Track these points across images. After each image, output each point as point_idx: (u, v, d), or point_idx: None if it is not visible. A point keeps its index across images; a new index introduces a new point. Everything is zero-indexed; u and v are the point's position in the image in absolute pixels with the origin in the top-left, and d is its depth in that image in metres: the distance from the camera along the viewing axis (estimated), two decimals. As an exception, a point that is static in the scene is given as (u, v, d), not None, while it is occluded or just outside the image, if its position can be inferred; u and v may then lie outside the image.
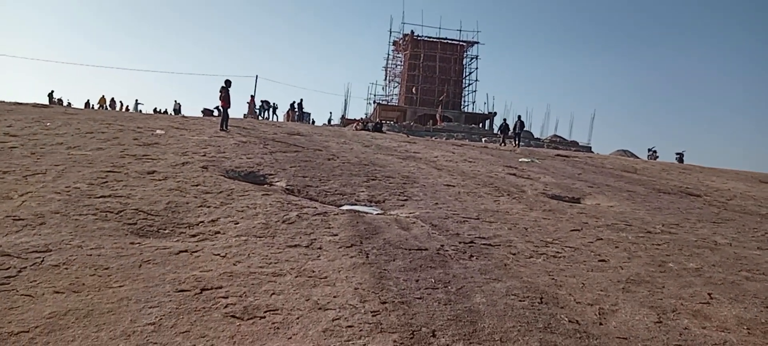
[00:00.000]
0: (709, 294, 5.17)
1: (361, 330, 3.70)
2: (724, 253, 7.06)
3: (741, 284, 5.61)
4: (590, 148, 45.31)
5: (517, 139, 27.29)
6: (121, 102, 39.04)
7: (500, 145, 25.78)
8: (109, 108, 36.36)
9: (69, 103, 38.08)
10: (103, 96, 38.65)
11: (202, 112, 35.54)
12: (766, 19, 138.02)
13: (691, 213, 10.31)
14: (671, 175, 18.22)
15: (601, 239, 7.35)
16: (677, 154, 32.68)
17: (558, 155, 22.66)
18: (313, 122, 45.31)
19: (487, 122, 52.80)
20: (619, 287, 5.21)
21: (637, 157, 34.88)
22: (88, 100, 38.30)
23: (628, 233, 7.84)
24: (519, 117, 27.98)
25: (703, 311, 4.70)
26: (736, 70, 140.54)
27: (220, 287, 4.27)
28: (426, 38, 56.04)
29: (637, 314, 4.50)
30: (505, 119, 30.98)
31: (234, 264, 4.89)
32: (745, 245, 7.71)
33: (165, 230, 5.84)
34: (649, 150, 37.09)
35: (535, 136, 47.10)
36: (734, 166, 25.37)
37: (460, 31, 55.76)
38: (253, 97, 34.03)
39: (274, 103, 39.60)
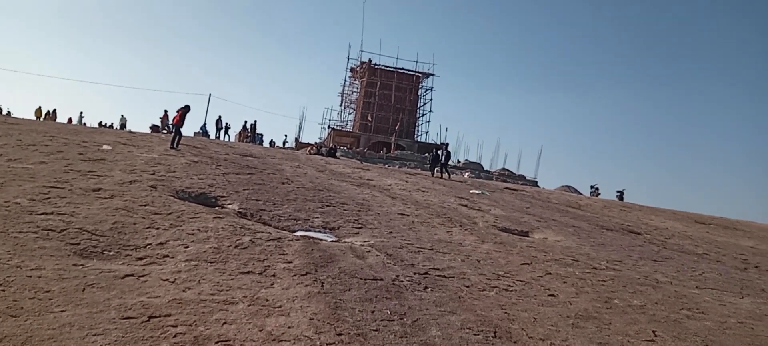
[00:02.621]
0: (654, 332, 5.37)
1: (316, 363, 3.63)
2: (665, 291, 7.36)
3: (683, 323, 5.85)
4: (536, 182, 46.59)
5: (443, 168, 25.84)
6: (50, 111, 36.99)
7: (432, 175, 24.04)
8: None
9: (9, 112, 36.24)
10: (40, 107, 36.74)
11: (151, 128, 34.53)
12: (707, 63, 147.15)
13: (633, 250, 10.72)
14: (613, 212, 18.94)
15: (550, 273, 7.53)
16: (618, 192, 33.94)
17: (507, 188, 23.20)
18: (273, 143, 44.92)
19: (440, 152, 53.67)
20: (568, 323, 5.34)
21: (581, 194, 36.12)
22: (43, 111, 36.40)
23: (575, 269, 8.07)
24: (445, 146, 27.64)
25: (648, 348, 4.88)
26: (674, 111, 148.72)
27: (169, 315, 4.11)
28: (383, 67, 56.65)
29: (586, 350, 4.61)
30: (435, 149, 27.66)
31: (183, 290, 4.72)
32: (685, 284, 8.07)
33: (110, 251, 5.59)
34: (592, 187, 38.36)
35: (485, 169, 48.09)
36: (670, 206, 26.62)
37: (417, 62, 56.73)
38: (166, 112, 33.88)
39: (226, 123, 39.00)
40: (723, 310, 6.71)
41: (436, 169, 25.21)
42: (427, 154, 27.19)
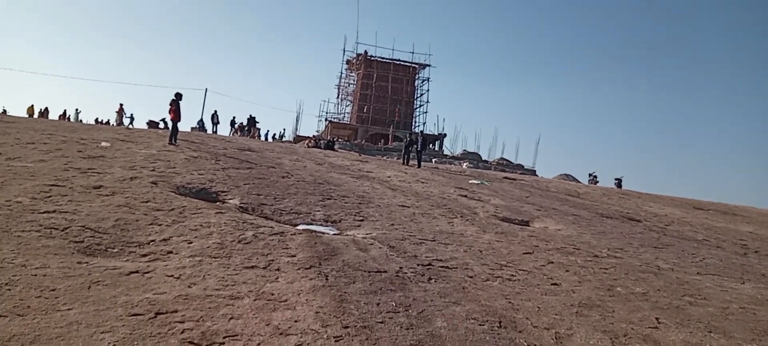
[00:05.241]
0: (657, 319, 5.40)
1: (325, 356, 3.65)
2: (667, 278, 7.39)
3: (685, 309, 5.88)
4: (535, 171, 46.63)
5: (418, 158, 23.80)
6: (43, 110, 37.09)
7: (402, 163, 22.71)
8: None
9: (4, 111, 36.12)
10: (32, 106, 36.57)
11: (148, 123, 34.47)
12: (702, 51, 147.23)
13: (633, 238, 10.75)
14: (612, 199, 18.98)
15: (552, 262, 7.55)
16: (616, 179, 34.02)
17: (506, 178, 23.22)
18: (275, 137, 45.44)
19: (437, 143, 53.63)
20: (572, 311, 5.36)
21: (579, 182, 36.16)
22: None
23: (577, 257, 8.09)
24: (420, 133, 26.44)
25: (653, 335, 4.90)
26: (671, 98, 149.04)
27: (176, 311, 4.12)
28: (379, 58, 56.46)
29: (591, 339, 4.64)
30: (409, 136, 25.34)
31: (189, 286, 4.73)
32: (686, 270, 8.10)
33: (114, 248, 5.59)
34: (590, 175, 38.40)
35: (483, 159, 48.11)
36: (669, 192, 26.65)
37: (413, 53, 56.50)
38: (121, 105, 34.79)
39: (233, 118, 39.26)
40: (725, 296, 6.75)
41: (409, 156, 23.44)
42: (405, 140, 24.49)
